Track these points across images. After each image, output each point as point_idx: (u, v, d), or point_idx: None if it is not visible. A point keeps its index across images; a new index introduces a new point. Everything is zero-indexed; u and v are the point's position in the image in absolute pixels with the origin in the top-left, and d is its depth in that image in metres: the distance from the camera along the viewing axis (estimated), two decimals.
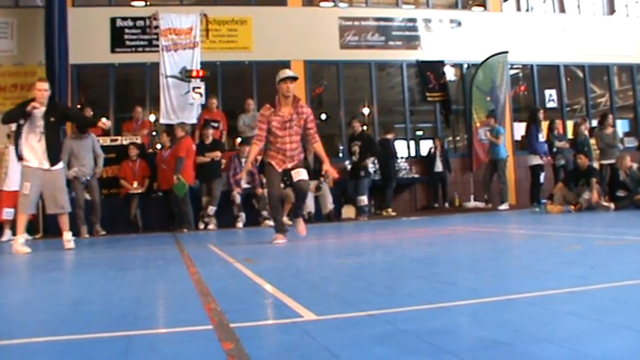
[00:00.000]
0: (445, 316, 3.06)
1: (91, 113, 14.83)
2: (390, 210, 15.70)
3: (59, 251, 8.92)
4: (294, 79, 8.38)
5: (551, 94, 19.12)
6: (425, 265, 5.39)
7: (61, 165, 9.23)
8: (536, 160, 14.96)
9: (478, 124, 16.95)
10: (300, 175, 8.47)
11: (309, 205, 13.74)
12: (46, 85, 8.99)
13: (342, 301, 3.67)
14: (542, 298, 3.39)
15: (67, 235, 9.32)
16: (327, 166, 8.71)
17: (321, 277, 4.90)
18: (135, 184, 13.55)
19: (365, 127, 17.64)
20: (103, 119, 9.80)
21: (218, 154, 13.35)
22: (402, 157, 17.30)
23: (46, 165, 8.92)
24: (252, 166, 8.75)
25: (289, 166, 8.45)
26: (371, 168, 15.49)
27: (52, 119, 8.96)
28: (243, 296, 4.00)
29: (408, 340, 2.53)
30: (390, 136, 16.39)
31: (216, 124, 14.55)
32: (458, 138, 19.39)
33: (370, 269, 5.32)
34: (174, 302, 4.10)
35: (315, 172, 14.07)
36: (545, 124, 15.97)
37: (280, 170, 8.49)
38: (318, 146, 8.69)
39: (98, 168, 12.86)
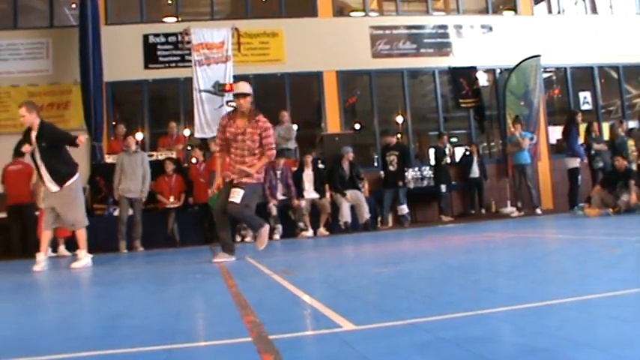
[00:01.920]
0: (484, 324, 3.04)
1: (124, 130, 15.04)
2: (443, 216, 15.74)
3: (100, 267, 8.98)
4: (245, 95, 8.25)
5: (585, 96, 18.94)
6: (463, 272, 5.36)
7: (70, 181, 9.01)
8: (575, 163, 14.80)
9: (512, 130, 16.75)
10: (234, 196, 8.17)
11: (346, 215, 13.74)
12: (22, 111, 8.91)
13: (380, 310, 3.66)
14: (582, 302, 3.36)
15: (80, 254, 9.16)
16: (243, 167, 8.32)
17: (360, 286, 4.88)
18: (171, 199, 13.65)
19: (399, 136, 17.65)
20: (82, 137, 9.53)
21: None
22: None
23: (53, 188, 8.93)
24: (223, 178, 8.42)
25: (234, 179, 8.25)
26: (409, 177, 15.52)
27: (44, 144, 8.88)
28: (282, 307, 4.00)
29: (447, 348, 2.52)
30: (441, 144, 16.42)
31: None
32: (492, 143, 19.28)
33: (408, 277, 5.30)
34: (213, 315, 4.11)
35: (352, 181, 14.08)
36: (582, 127, 15.82)
37: (227, 180, 8.32)
38: (265, 156, 8.38)
39: (145, 187, 13.02)
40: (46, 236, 9.11)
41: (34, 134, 8.89)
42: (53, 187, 8.94)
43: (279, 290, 4.89)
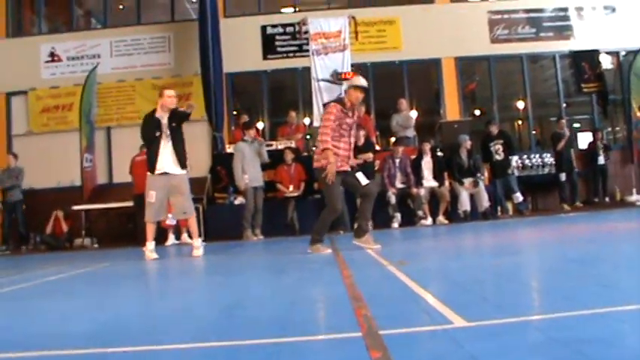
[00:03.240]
0: (602, 323, 2.88)
1: (247, 119, 15.34)
2: (565, 206, 15.32)
3: (218, 255, 9.20)
4: (365, 89, 8.14)
5: None
6: (583, 265, 5.18)
7: (187, 167, 9.31)
8: None
9: (638, 114, 16.16)
10: (365, 179, 8.11)
11: (465, 204, 13.60)
12: (174, 92, 9.28)
13: (493, 305, 3.58)
14: None
15: (196, 242, 9.39)
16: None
17: (474, 279, 4.80)
18: (291, 188, 13.81)
19: (520, 122, 17.31)
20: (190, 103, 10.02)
21: (370, 155, 13.33)
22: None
23: (174, 170, 9.13)
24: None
25: (347, 168, 8.09)
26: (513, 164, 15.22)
27: (174, 124, 9.13)
28: (395, 301, 3.97)
29: (558, 350, 2.42)
30: (559, 130, 15.98)
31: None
32: (617, 129, 18.67)
33: (525, 270, 5.21)
34: (326, 307, 4.14)
35: (470, 170, 13.92)
36: None
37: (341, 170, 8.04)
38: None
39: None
40: (151, 228, 9.40)
41: (166, 116, 9.15)
42: (177, 171, 9.16)
43: (393, 282, 4.87)
